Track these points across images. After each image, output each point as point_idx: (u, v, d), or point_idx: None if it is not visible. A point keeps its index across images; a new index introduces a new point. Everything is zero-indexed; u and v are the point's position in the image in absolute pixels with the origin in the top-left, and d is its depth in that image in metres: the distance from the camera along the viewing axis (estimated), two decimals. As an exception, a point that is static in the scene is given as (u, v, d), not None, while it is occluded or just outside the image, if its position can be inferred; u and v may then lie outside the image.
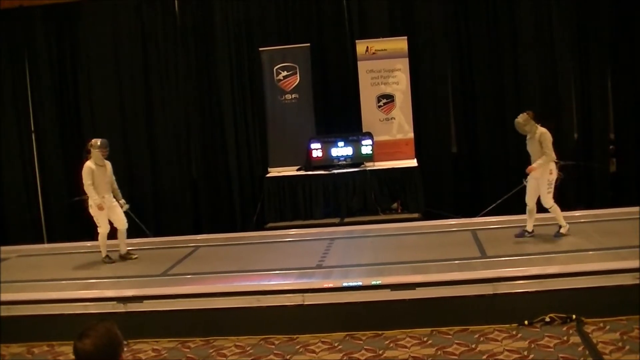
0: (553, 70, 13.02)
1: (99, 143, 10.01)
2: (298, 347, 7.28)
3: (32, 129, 14.48)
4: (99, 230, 10.15)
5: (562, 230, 9.50)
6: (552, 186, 9.38)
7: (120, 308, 8.18)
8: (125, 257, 10.34)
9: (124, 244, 10.38)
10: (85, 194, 10.08)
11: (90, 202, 10.03)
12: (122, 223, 10.28)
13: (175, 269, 9.84)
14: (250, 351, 7.31)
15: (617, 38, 12.86)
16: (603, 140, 13.10)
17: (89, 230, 13.64)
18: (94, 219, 10.14)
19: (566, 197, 12.79)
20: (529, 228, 9.73)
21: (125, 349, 3.28)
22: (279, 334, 7.59)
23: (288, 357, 7.07)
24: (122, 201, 10.39)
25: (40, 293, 8.93)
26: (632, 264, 7.67)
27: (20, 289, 9.12)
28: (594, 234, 9.61)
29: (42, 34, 14.36)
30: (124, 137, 14.13)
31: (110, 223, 10.23)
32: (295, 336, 7.51)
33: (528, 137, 9.51)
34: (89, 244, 11.87)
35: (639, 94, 12.93)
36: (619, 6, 12.72)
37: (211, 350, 7.44)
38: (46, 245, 13.37)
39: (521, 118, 9.43)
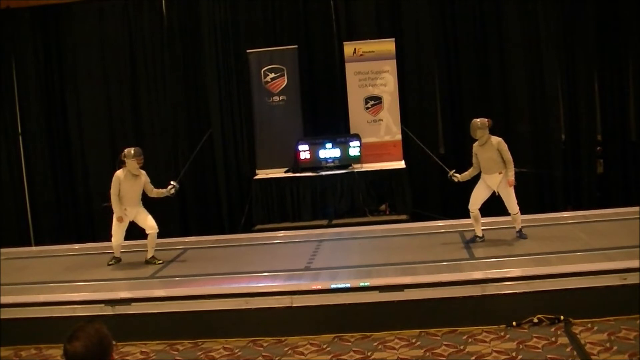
0: (540, 71, 13.09)
1: (132, 152, 9.78)
2: (287, 349, 7.27)
3: (20, 131, 14.42)
4: (112, 239, 10.08)
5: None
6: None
7: (109, 311, 8.15)
8: (149, 262, 10.12)
9: (151, 248, 10.12)
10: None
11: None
12: (151, 228, 9.95)
13: (163, 271, 9.80)
14: (239, 353, 7.30)
15: (604, 39, 12.93)
16: (590, 142, 13.17)
17: (77, 232, 13.70)
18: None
19: (555, 198, 12.92)
20: (479, 233, 9.77)
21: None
22: (268, 336, 7.59)
23: (277, 359, 7.07)
24: (172, 184, 10.39)
25: (28, 296, 8.87)
26: (620, 264, 7.72)
27: (7, 291, 9.04)
28: (582, 235, 9.65)
29: (29, 36, 14.32)
30: (111, 139, 14.05)
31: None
32: (283, 338, 7.51)
33: (478, 144, 9.51)
34: (76, 246, 11.87)
35: (626, 95, 13.04)
36: (606, 7, 12.80)
37: (199, 353, 7.43)
38: (33, 248, 13.33)
39: (480, 121, 9.43)
